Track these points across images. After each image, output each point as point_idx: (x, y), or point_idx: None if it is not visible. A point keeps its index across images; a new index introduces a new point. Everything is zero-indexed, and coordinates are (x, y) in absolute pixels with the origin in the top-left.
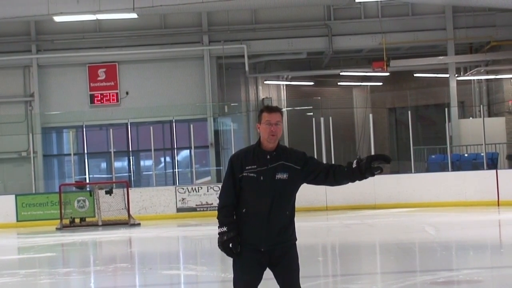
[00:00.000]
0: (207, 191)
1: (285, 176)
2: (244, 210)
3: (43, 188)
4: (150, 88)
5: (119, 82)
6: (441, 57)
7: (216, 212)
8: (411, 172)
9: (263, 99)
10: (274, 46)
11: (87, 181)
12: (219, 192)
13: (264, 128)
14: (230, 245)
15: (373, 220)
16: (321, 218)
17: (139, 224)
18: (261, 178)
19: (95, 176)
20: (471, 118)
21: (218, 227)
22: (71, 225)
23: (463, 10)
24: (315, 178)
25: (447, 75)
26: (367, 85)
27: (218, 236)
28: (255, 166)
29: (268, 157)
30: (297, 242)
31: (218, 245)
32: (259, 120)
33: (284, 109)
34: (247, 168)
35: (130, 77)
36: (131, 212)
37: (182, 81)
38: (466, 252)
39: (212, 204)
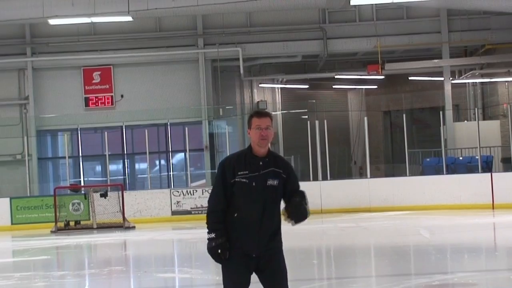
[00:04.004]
0: (202, 194)
1: (275, 182)
2: (236, 215)
3: (37, 191)
4: (145, 91)
5: (114, 85)
6: (436, 60)
7: None
8: (406, 175)
9: (258, 102)
10: (269, 49)
11: (82, 184)
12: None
13: (254, 133)
14: (219, 251)
15: (368, 223)
16: (316, 221)
17: (134, 227)
18: (253, 184)
19: (90, 179)
20: (466, 121)
21: (207, 233)
22: (66, 228)
23: (458, 14)
24: (284, 194)
25: (442, 78)
26: (362, 88)
27: (207, 241)
28: (247, 172)
29: (261, 163)
30: (292, 246)
31: (207, 251)
32: (249, 125)
33: (278, 112)
34: (239, 173)
35: (125, 80)
36: (126, 215)
37: (177, 84)
38: (460, 255)
39: (207, 207)
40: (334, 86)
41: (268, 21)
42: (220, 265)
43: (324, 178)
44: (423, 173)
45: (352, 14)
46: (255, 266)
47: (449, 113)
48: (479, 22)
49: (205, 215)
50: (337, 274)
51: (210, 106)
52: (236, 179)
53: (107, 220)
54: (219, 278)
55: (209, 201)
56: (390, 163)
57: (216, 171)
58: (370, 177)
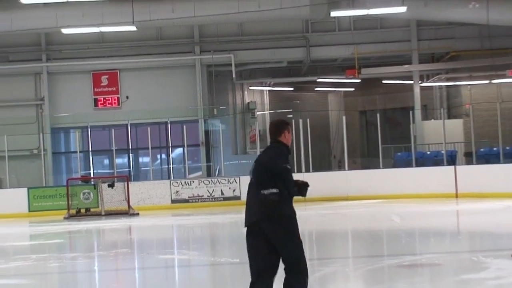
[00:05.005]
0: (198, 184)
1: None
2: (287, 193)
3: (52, 182)
4: (148, 92)
5: (120, 87)
6: (406, 66)
7: (210, 203)
8: (379, 168)
9: (248, 103)
10: (258, 55)
11: (92, 175)
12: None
13: (290, 137)
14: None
15: (345, 211)
16: (300, 208)
17: (137, 214)
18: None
19: (98, 171)
20: (432, 120)
21: (304, 183)
22: (77, 215)
23: (426, 24)
24: None
25: (411, 82)
26: (341, 91)
27: (304, 184)
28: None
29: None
30: None
31: (306, 188)
32: (288, 129)
33: (266, 112)
34: (288, 161)
35: (130, 83)
36: (130, 203)
37: (176, 86)
38: (428, 239)
39: (202, 196)
40: (316, 89)
41: (257, 30)
42: (215, 247)
43: (307, 170)
44: (395, 166)
45: (332, 24)
46: None
47: (418, 112)
48: (445, 31)
49: (202, 203)
50: (318, 255)
51: (206, 106)
52: (288, 166)
53: (114, 207)
54: (214, 259)
55: (288, 170)
56: (365, 157)
57: (211, 164)
58: (348, 170)
